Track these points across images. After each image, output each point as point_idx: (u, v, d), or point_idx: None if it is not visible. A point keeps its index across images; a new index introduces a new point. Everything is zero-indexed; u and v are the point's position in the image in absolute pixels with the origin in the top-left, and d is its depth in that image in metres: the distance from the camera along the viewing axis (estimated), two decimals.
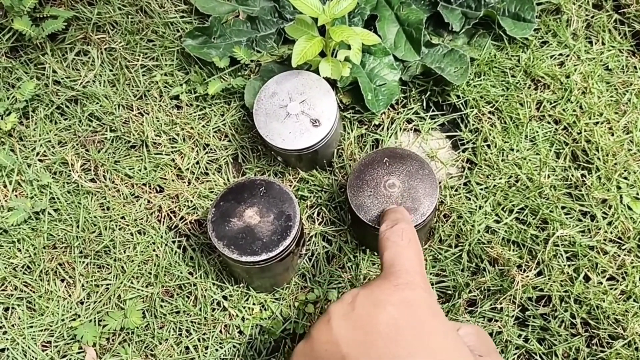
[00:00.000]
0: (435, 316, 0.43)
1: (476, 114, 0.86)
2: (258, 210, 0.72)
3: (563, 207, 0.80)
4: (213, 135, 0.88)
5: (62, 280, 0.81)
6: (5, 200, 0.84)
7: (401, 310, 0.42)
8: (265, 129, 0.78)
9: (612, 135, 0.84)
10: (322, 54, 0.81)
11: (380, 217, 0.62)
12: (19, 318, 0.78)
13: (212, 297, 0.78)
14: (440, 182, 0.82)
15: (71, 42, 0.94)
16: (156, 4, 0.97)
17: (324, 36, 0.79)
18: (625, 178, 0.81)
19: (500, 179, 0.82)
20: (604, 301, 0.74)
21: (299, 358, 0.44)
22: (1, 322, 0.78)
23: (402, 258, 0.48)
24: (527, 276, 0.76)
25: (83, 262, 0.81)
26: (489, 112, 0.87)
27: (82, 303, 0.79)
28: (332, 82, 0.83)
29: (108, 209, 0.84)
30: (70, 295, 0.79)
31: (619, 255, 0.77)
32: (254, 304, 0.78)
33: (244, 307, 0.78)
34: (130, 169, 0.86)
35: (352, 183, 0.72)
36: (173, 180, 0.85)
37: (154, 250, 0.81)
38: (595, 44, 0.91)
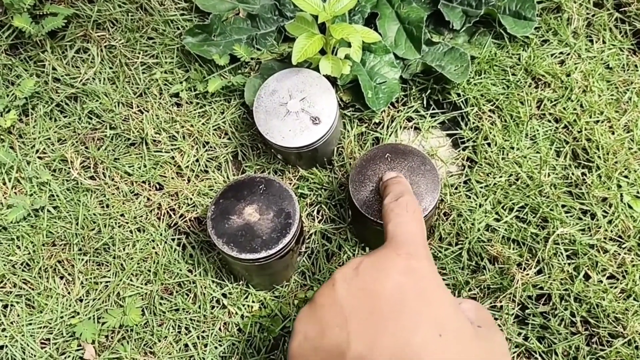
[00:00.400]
0: (438, 286, 0.43)
1: (476, 112, 0.86)
2: (258, 208, 0.72)
3: (563, 206, 0.80)
4: (213, 133, 0.87)
5: (61, 278, 0.80)
6: (5, 198, 0.84)
7: (406, 278, 0.42)
8: (265, 126, 0.77)
9: (613, 133, 0.84)
10: (323, 52, 0.80)
11: (382, 186, 0.62)
12: (18, 315, 0.78)
13: (211, 294, 0.78)
14: (440, 180, 0.82)
15: (71, 40, 0.94)
16: (156, 1, 0.97)
17: (324, 34, 0.78)
18: (626, 176, 0.81)
19: (501, 177, 0.82)
20: (604, 300, 0.74)
21: (303, 321, 0.45)
22: (0, 320, 0.78)
23: (406, 230, 0.49)
24: (527, 274, 0.76)
25: (82, 259, 0.81)
26: (490, 111, 0.86)
27: (81, 300, 0.79)
28: (333, 80, 0.83)
29: (107, 206, 0.83)
30: (69, 293, 0.79)
31: (619, 254, 0.77)
32: (253, 301, 0.78)
33: (244, 305, 0.78)
34: (129, 167, 0.85)
35: (354, 178, 0.72)
36: (173, 178, 0.85)
37: (153, 247, 0.81)
38: (596, 42, 0.91)
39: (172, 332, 0.77)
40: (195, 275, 0.79)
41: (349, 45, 0.78)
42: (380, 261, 0.45)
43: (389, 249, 0.47)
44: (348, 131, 0.86)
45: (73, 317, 0.78)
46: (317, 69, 0.80)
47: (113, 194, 0.84)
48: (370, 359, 0.39)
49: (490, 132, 0.84)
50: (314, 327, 0.43)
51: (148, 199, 0.84)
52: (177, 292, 0.79)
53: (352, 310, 0.41)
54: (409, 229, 0.49)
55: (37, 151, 0.87)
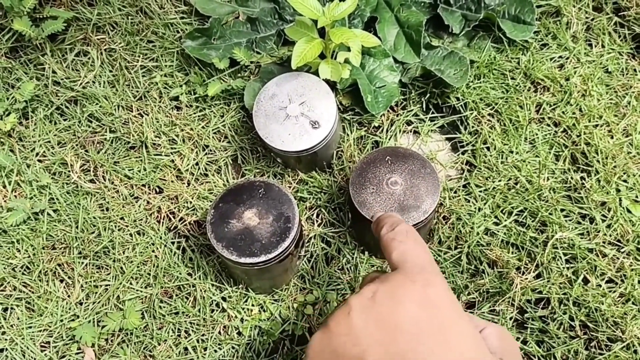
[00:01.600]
0: (457, 315, 0.42)
1: (476, 116, 0.86)
2: (257, 212, 0.72)
3: (562, 210, 0.80)
4: (212, 137, 0.88)
5: (61, 281, 0.81)
6: (5, 201, 0.84)
7: (423, 308, 0.41)
8: (265, 130, 0.78)
9: (612, 138, 0.84)
10: (322, 56, 0.81)
11: (374, 224, 0.59)
12: (18, 318, 0.78)
13: (211, 298, 0.78)
14: (440, 183, 0.82)
15: (71, 43, 0.94)
16: (156, 4, 0.97)
17: (323, 38, 0.79)
18: (625, 181, 0.81)
19: (500, 181, 0.82)
20: (602, 304, 0.74)
21: (316, 348, 0.43)
22: (0, 323, 0.78)
23: (413, 255, 0.47)
24: (526, 278, 0.76)
25: (82, 262, 0.81)
26: (489, 115, 0.87)
27: (81, 304, 0.79)
28: (332, 84, 0.83)
29: (107, 209, 0.84)
30: (69, 296, 0.79)
31: (618, 258, 0.77)
32: (252, 305, 0.78)
33: (243, 309, 0.78)
34: (129, 170, 0.86)
35: (354, 180, 0.73)
36: (172, 181, 0.85)
37: (153, 251, 0.81)
38: (595, 46, 0.91)
39: (171, 336, 0.77)
40: (194, 279, 0.79)
41: (349, 49, 0.78)
42: (397, 290, 0.43)
43: (403, 275, 0.44)
44: (347, 135, 0.86)
45: (73, 320, 0.78)
46: (316, 73, 0.80)
47: (113, 197, 0.84)
48: None
49: (490, 136, 0.85)
50: (329, 356, 0.42)
51: (148, 202, 0.84)
52: (176, 295, 0.79)
53: (370, 343, 0.40)
54: (417, 254, 0.47)
55: (37, 154, 0.87)
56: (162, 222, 0.83)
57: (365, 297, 0.43)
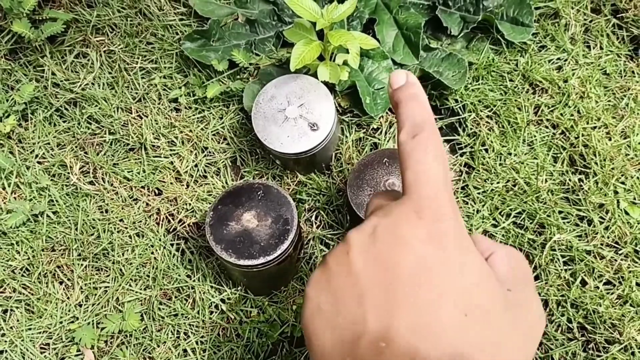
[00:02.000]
0: (467, 251, 0.38)
1: (474, 118, 0.87)
2: (256, 214, 0.72)
3: (560, 212, 0.80)
4: (212, 138, 0.88)
5: (61, 283, 0.81)
6: (4, 203, 0.84)
7: (429, 248, 0.37)
8: (264, 132, 0.78)
9: (610, 140, 0.84)
10: (321, 58, 0.81)
11: (391, 99, 0.46)
12: (17, 320, 0.78)
13: (210, 300, 0.78)
14: None
15: (70, 45, 0.94)
16: (155, 6, 0.97)
17: (322, 40, 0.79)
18: (623, 183, 0.81)
19: (498, 183, 0.82)
20: (600, 306, 0.74)
21: (315, 287, 0.41)
22: (0, 325, 0.78)
23: (427, 180, 0.40)
24: None
25: (81, 264, 0.81)
26: (487, 117, 0.87)
27: (80, 305, 0.79)
28: (331, 86, 0.84)
29: (107, 211, 0.84)
30: (68, 298, 0.80)
31: (615, 260, 0.77)
32: (252, 307, 0.79)
33: (242, 310, 0.78)
34: (129, 172, 0.86)
35: (352, 183, 0.73)
36: (172, 183, 0.85)
37: (152, 253, 0.81)
38: (594, 48, 0.91)
39: (171, 338, 0.77)
40: (194, 281, 0.79)
41: (347, 51, 0.79)
42: (399, 225, 0.38)
43: (408, 206, 0.39)
44: (346, 137, 0.86)
45: (72, 322, 0.78)
46: (315, 75, 0.81)
47: (112, 199, 0.84)
48: (388, 339, 0.37)
49: (488, 138, 0.85)
50: (327, 297, 0.39)
51: (147, 204, 0.84)
52: (175, 297, 0.79)
53: (369, 284, 0.37)
54: (430, 181, 0.40)
55: (37, 156, 0.87)
56: (162, 224, 0.83)
57: (366, 233, 0.40)
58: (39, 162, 0.87)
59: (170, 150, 0.87)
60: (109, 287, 0.80)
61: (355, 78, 0.85)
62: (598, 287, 0.76)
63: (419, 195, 0.39)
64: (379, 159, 0.74)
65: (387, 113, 0.88)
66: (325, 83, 0.80)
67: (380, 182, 0.72)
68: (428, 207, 0.39)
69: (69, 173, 0.86)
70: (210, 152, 0.87)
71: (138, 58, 0.93)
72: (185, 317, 0.78)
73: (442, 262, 0.37)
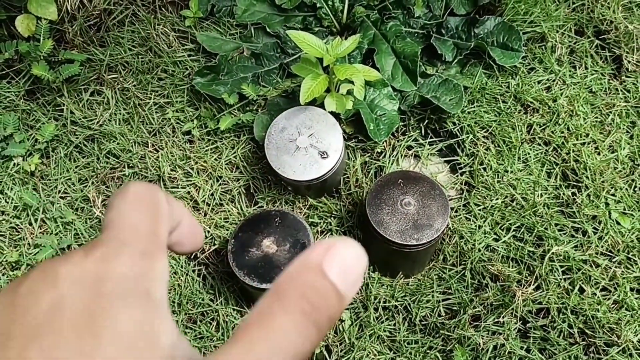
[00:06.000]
0: (123, 304, 0.24)
1: (471, 139, 0.92)
2: (275, 240, 0.77)
3: (556, 224, 0.86)
4: (225, 168, 0.93)
5: None
6: (32, 238, 0.88)
7: (75, 291, 0.24)
8: (277, 162, 0.83)
9: (599, 154, 0.90)
10: (327, 89, 0.86)
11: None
12: None
13: (233, 322, 0.83)
14: (449, 203, 0.88)
15: (85, 83, 0.99)
16: (165, 43, 1.02)
17: (327, 72, 0.84)
18: (613, 194, 0.87)
19: (497, 199, 0.88)
20: (598, 311, 0.80)
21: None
22: None
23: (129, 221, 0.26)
24: (527, 290, 0.82)
25: None
26: (484, 137, 0.93)
27: None
28: (336, 114, 0.89)
29: None
30: None
31: (610, 268, 0.83)
32: None
33: None
34: None
35: (370, 202, 0.78)
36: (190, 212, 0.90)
37: (176, 280, 0.86)
38: (579, 68, 0.98)
39: None
40: (217, 305, 0.84)
41: (351, 80, 0.84)
42: (52, 267, 0.24)
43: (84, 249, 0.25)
44: (353, 161, 0.92)
45: None
46: (322, 105, 0.86)
47: None
48: None
49: (485, 157, 0.91)
50: None
51: None
52: (200, 321, 0.84)
53: None
54: (135, 219, 0.25)
55: (60, 192, 0.92)
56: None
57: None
58: (62, 197, 0.92)
59: (187, 180, 0.92)
60: None
61: (359, 106, 0.91)
62: (595, 294, 0.81)
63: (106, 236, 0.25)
64: (394, 180, 0.79)
65: (389, 137, 0.93)
66: (331, 112, 0.86)
67: (397, 201, 0.77)
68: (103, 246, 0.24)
69: (91, 206, 0.91)
70: (224, 181, 0.92)
71: (151, 94, 0.99)
72: (211, 339, 0.82)
73: (85, 321, 0.22)
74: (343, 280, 0.21)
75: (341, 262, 0.22)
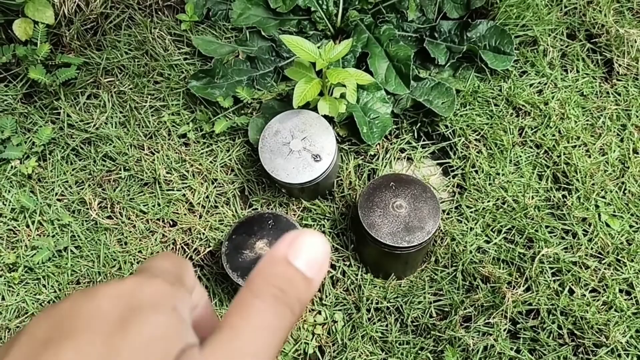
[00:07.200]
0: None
1: (464, 142, 0.93)
2: (268, 242, 0.78)
3: (547, 226, 0.87)
4: (220, 170, 0.94)
5: None
6: (29, 240, 0.89)
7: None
8: (271, 165, 0.84)
9: (589, 157, 0.91)
10: (320, 93, 0.87)
11: None
12: None
13: None
14: (440, 205, 0.89)
15: (82, 87, 1.00)
16: (160, 47, 1.03)
17: (320, 76, 0.85)
18: (603, 197, 0.88)
19: (489, 201, 0.89)
20: (587, 312, 0.81)
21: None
22: None
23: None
24: (517, 292, 0.83)
25: None
26: (476, 140, 0.94)
27: None
28: (329, 117, 0.90)
29: (126, 244, 0.90)
30: None
31: (599, 269, 0.84)
32: None
33: None
34: (144, 205, 0.92)
35: (362, 205, 0.79)
36: (185, 214, 0.91)
37: None
38: (571, 71, 0.99)
39: None
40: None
41: (344, 84, 0.85)
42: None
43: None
44: (346, 164, 0.93)
45: None
46: (315, 109, 0.87)
47: (130, 232, 0.90)
48: None
49: (477, 160, 0.92)
50: None
51: (163, 235, 0.90)
52: None
53: None
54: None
55: (56, 194, 0.93)
56: (178, 253, 0.89)
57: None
58: (58, 200, 0.93)
59: (182, 183, 0.93)
60: None
61: (352, 109, 0.92)
62: (585, 295, 0.82)
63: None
64: (386, 182, 0.80)
65: (382, 140, 0.94)
66: (325, 116, 0.87)
67: (389, 204, 0.78)
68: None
69: (88, 209, 0.92)
70: (219, 184, 0.93)
71: (147, 97, 1.00)
72: None
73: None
74: (308, 266, 0.23)
75: (305, 250, 0.23)
